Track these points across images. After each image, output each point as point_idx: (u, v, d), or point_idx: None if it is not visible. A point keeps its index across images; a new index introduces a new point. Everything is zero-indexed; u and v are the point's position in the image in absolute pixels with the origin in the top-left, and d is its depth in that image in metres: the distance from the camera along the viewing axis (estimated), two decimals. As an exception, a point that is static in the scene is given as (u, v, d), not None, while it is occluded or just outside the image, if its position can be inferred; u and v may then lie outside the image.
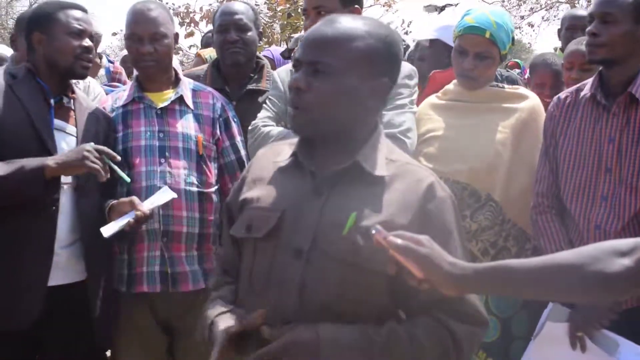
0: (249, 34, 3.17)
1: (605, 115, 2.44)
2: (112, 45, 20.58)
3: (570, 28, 3.92)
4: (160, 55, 2.72)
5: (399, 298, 1.64)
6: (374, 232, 1.46)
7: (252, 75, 3.22)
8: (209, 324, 1.64)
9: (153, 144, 2.70)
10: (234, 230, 1.74)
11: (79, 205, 2.52)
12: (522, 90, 2.83)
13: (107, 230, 2.44)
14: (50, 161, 2.38)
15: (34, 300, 2.40)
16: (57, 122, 2.53)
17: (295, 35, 6.07)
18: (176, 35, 2.86)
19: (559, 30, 4.14)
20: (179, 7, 10.43)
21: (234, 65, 3.17)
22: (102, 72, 4.93)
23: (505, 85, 2.84)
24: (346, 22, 1.65)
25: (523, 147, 2.64)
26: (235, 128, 2.87)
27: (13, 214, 2.38)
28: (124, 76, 4.85)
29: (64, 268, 2.47)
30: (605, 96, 2.45)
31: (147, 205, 2.50)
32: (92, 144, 2.44)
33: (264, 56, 3.60)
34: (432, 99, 2.88)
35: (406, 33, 11.13)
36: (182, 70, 3.56)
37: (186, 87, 2.83)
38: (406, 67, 2.71)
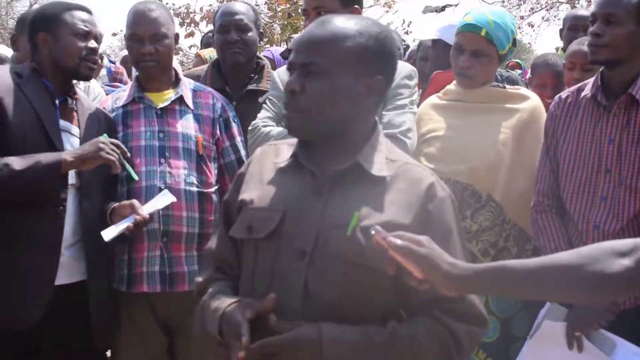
0: (250, 34, 3.17)
1: (605, 115, 2.44)
2: (112, 45, 20.57)
3: (572, 28, 3.91)
4: (161, 55, 2.73)
5: (401, 296, 1.64)
6: (373, 232, 1.46)
7: (252, 75, 3.22)
8: (220, 316, 1.62)
9: (153, 144, 2.70)
10: (234, 232, 1.74)
11: (82, 206, 2.52)
12: (523, 90, 2.83)
13: (108, 234, 2.45)
14: (66, 155, 2.40)
15: (40, 299, 2.40)
16: (62, 123, 2.54)
17: (295, 36, 6.07)
18: (176, 36, 2.86)
19: (561, 30, 4.14)
20: (180, 7, 10.44)
21: (234, 66, 3.17)
22: (103, 72, 4.93)
23: (507, 86, 2.84)
24: (337, 22, 1.66)
25: (524, 148, 2.64)
26: (235, 128, 2.87)
27: (20, 213, 2.39)
28: (126, 76, 4.86)
29: (66, 268, 2.48)
30: (605, 97, 2.45)
31: (147, 209, 2.50)
32: (106, 136, 2.47)
33: (264, 56, 3.60)
34: (433, 99, 2.88)
35: (406, 33, 11.15)
36: (182, 71, 3.57)
37: (186, 87, 2.83)
38: (406, 68, 2.72)
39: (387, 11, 11.90)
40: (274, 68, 3.40)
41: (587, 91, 2.51)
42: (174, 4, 10.52)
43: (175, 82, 2.83)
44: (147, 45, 2.70)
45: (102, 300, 2.56)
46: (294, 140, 1.75)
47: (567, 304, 2.37)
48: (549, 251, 2.42)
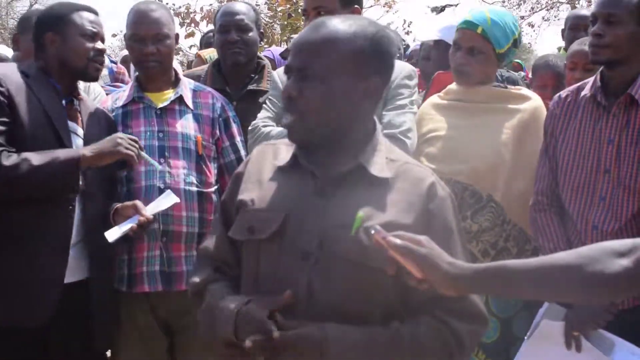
0: (250, 34, 3.17)
1: (605, 116, 2.44)
2: (112, 45, 20.57)
3: (574, 28, 3.91)
4: (163, 55, 2.74)
5: (403, 296, 1.64)
6: (373, 232, 1.46)
7: (252, 75, 3.22)
8: (234, 315, 1.60)
9: (152, 144, 2.70)
10: (234, 233, 1.73)
11: (84, 205, 2.52)
12: (524, 91, 2.83)
13: (111, 235, 2.46)
14: (85, 150, 2.42)
15: (50, 297, 2.41)
16: (69, 123, 2.54)
17: (295, 36, 6.07)
18: (177, 36, 2.87)
19: (563, 30, 4.15)
20: (179, 7, 10.44)
21: (234, 66, 3.17)
22: (105, 72, 4.93)
23: (509, 86, 2.84)
24: (332, 25, 1.65)
25: (525, 148, 2.64)
26: (235, 128, 2.88)
27: (32, 211, 2.39)
28: (127, 76, 4.86)
29: (68, 267, 2.48)
30: (605, 97, 2.44)
31: (150, 210, 2.51)
32: (122, 133, 2.49)
33: (265, 56, 3.60)
34: (434, 98, 2.88)
35: (407, 33, 11.15)
36: (183, 71, 3.57)
37: (186, 87, 2.84)
38: (406, 68, 2.72)
39: (387, 11, 11.92)
40: (274, 68, 3.41)
41: (586, 91, 2.50)
42: (174, 4, 10.52)
43: (175, 82, 2.84)
44: (149, 46, 2.70)
45: (104, 300, 2.57)
46: None
47: (565, 304, 2.37)
48: (547, 250, 2.43)
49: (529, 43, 20.55)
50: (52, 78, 2.53)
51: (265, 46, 6.91)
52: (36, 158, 2.34)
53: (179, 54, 10.75)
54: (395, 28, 10.06)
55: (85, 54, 2.53)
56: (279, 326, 1.55)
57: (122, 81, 4.76)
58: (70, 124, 2.54)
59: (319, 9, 2.68)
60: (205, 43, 5.12)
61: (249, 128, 2.72)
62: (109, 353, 2.81)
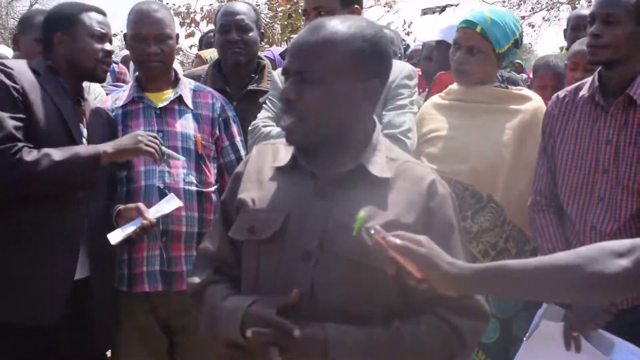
0: (251, 34, 3.17)
1: (603, 116, 2.44)
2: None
3: (575, 28, 3.91)
4: (166, 55, 2.75)
5: (405, 296, 1.64)
6: (372, 232, 1.47)
7: (253, 75, 3.22)
8: (241, 315, 1.59)
9: (152, 144, 2.70)
10: (234, 233, 1.73)
11: (87, 205, 2.53)
12: (526, 91, 2.82)
13: (114, 238, 2.46)
14: (106, 147, 2.44)
15: (61, 295, 2.42)
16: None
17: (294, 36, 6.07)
18: (177, 36, 2.87)
19: (565, 30, 4.15)
20: (179, 7, 10.45)
21: (234, 66, 3.17)
22: (107, 72, 4.93)
23: (510, 87, 2.84)
24: (330, 27, 1.64)
25: (525, 149, 2.64)
26: (234, 128, 2.88)
27: (43, 209, 2.39)
28: (128, 77, 4.87)
29: None
30: (603, 97, 2.45)
31: (152, 214, 2.51)
32: (142, 131, 2.52)
33: (265, 56, 3.61)
34: (436, 98, 2.88)
35: (407, 34, 11.15)
36: (183, 71, 3.57)
37: (185, 87, 2.84)
38: (406, 68, 2.72)
39: (387, 11, 11.93)
40: (275, 68, 3.41)
41: (584, 91, 2.50)
42: (174, 4, 10.52)
43: (175, 82, 2.84)
44: (153, 46, 2.70)
45: (104, 300, 2.57)
46: None
47: (564, 304, 2.37)
48: (546, 251, 2.42)
49: (529, 43, 20.55)
50: (61, 77, 2.54)
51: (266, 46, 6.91)
52: (57, 154, 2.35)
53: (179, 54, 10.75)
54: (395, 28, 10.05)
55: (94, 55, 2.53)
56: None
57: (124, 81, 4.77)
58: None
59: (319, 9, 2.68)
60: (205, 43, 5.12)
61: (249, 128, 2.72)
62: (109, 353, 2.81)
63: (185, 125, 2.76)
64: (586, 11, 4.07)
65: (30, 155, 2.31)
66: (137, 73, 2.91)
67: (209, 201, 2.73)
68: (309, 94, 1.61)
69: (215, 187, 2.78)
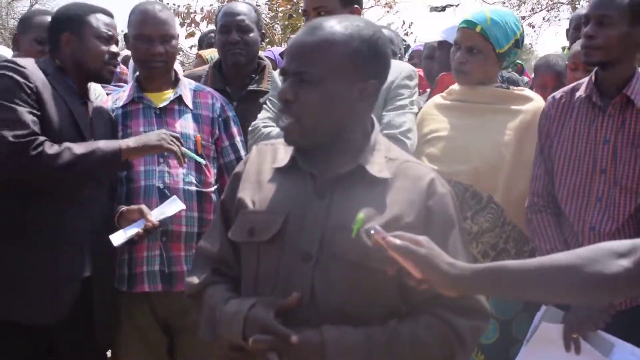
0: (251, 35, 3.17)
1: (600, 116, 2.44)
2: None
3: (578, 28, 3.90)
4: (170, 56, 2.75)
5: (405, 296, 1.65)
6: (372, 232, 1.46)
7: (253, 76, 3.22)
8: (242, 319, 1.59)
9: (152, 144, 2.70)
10: (234, 235, 1.73)
11: (92, 205, 2.53)
12: (527, 92, 2.82)
13: (117, 239, 2.47)
14: (128, 141, 2.47)
15: (68, 294, 2.42)
16: None
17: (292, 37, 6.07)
18: (177, 36, 2.87)
19: (567, 30, 4.16)
20: (179, 6, 10.46)
21: (234, 66, 3.17)
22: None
23: (511, 87, 2.84)
24: (327, 28, 1.63)
25: (526, 149, 2.63)
26: (234, 128, 2.88)
27: (51, 207, 2.39)
28: (129, 77, 4.86)
29: None
30: (600, 97, 2.45)
31: (155, 216, 2.52)
32: (165, 130, 2.56)
33: (266, 57, 3.60)
34: (437, 99, 2.88)
35: (407, 34, 11.15)
36: (184, 71, 3.57)
37: (185, 87, 2.84)
38: (406, 68, 2.72)
39: (387, 12, 11.93)
40: (275, 68, 3.40)
41: (581, 91, 2.50)
42: (174, 4, 10.53)
43: (175, 82, 2.84)
44: (158, 46, 2.71)
45: (104, 299, 2.57)
46: None
47: (563, 306, 2.37)
48: (544, 252, 2.42)
49: (529, 44, 20.54)
50: (69, 78, 2.54)
51: (267, 47, 6.91)
52: (78, 148, 2.36)
53: (179, 54, 10.76)
54: (395, 29, 10.06)
55: (101, 57, 2.54)
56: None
57: (125, 82, 4.77)
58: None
59: (319, 9, 2.67)
60: (207, 43, 5.12)
61: (249, 128, 2.72)
62: (109, 353, 2.81)
63: (185, 125, 2.76)
64: (588, 11, 4.09)
65: (52, 148, 2.32)
66: (137, 73, 2.91)
67: (208, 201, 2.73)
68: (306, 95, 1.61)
69: (215, 187, 2.78)
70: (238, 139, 2.87)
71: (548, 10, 19.00)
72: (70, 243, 2.43)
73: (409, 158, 1.78)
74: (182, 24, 10.23)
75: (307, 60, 1.61)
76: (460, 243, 1.68)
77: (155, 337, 2.73)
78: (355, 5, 2.74)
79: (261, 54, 3.57)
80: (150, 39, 2.71)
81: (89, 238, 2.50)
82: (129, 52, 3.31)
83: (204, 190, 2.73)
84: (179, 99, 2.79)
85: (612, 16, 2.35)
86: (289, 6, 9.31)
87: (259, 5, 10.25)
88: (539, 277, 1.41)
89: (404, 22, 13.55)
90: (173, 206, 2.56)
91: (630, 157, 2.36)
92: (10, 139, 2.27)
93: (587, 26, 2.41)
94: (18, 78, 2.36)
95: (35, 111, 2.36)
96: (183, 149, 2.54)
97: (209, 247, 1.80)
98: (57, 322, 2.41)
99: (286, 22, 9.32)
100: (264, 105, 2.79)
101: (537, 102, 2.72)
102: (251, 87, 3.16)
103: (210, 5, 10.87)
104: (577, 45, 3.23)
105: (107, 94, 3.14)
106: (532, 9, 19.01)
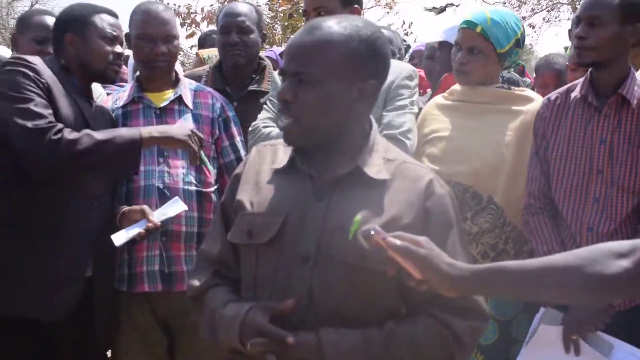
0: (251, 36, 3.16)
1: (596, 116, 2.44)
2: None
3: None
4: (172, 56, 2.76)
5: (404, 298, 1.65)
6: (372, 232, 1.46)
7: (253, 76, 3.21)
8: (239, 323, 1.60)
9: (152, 144, 2.70)
10: (233, 237, 1.73)
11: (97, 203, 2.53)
12: (528, 92, 2.82)
13: (118, 239, 2.46)
14: (152, 131, 2.46)
15: (73, 290, 2.42)
16: None
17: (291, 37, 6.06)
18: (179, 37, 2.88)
19: (569, 31, 4.16)
20: (179, 7, 10.45)
21: (233, 67, 3.17)
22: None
23: (512, 87, 2.84)
24: (327, 28, 1.62)
25: (526, 150, 2.62)
26: (234, 128, 2.88)
27: (58, 204, 2.39)
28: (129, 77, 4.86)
29: None
30: (596, 97, 2.45)
31: (157, 217, 2.51)
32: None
33: (267, 57, 3.60)
34: (438, 99, 2.88)
35: (407, 34, 11.15)
36: (184, 71, 3.57)
37: (185, 87, 2.84)
38: (407, 68, 2.72)
39: (387, 12, 11.92)
40: (276, 68, 3.40)
41: (576, 92, 2.51)
42: (174, 4, 10.53)
43: (175, 82, 2.84)
44: (161, 46, 2.71)
45: (106, 299, 2.57)
46: None
47: (562, 308, 2.37)
48: (541, 253, 2.41)
49: (529, 44, 20.53)
50: (74, 77, 2.54)
51: (267, 47, 6.91)
52: (99, 134, 2.36)
53: (179, 54, 10.76)
54: (395, 29, 10.06)
55: (105, 57, 2.53)
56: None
57: (126, 81, 4.77)
58: None
59: (320, 9, 2.67)
60: (209, 43, 5.11)
61: (249, 129, 2.72)
62: (109, 353, 2.81)
63: (185, 125, 2.75)
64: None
65: (72, 134, 2.31)
66: (137, 73, 2.90)
67: (208, 201, 2.73)
68: (305, 95, 1.61)
69: (215, 187, 2.78)
70: (238, 139, 2.87)
71: (548, 11, 19.00)
72: (75, 241, 2.42)
73: (407, 159, 1.77)
74: (182, 24, 10.23)
75: (306, 60, 1.61)
76: (459, 244, 1.67)
77: (155, 337, 2.73)
78: (356, 5, 2.74)
79: (262, 54, 3.56)
80: (154, 38, 2.71)
81: (92, 237, 2.50)
82: (128, 52, 3.30)
83: (204, 190, 2.73)
84: (179, 99, 2.79)
85: (603, 17, 2.36)
86: (289, 6, 9.30)
87: (259, 5, 10.25)
88: (539, 277, 1.41)
89: (404, 22, 13.53)
90: (175, 207, 2.56)
91: (626, 157, 2.36)
92: (30, 126, 2.26)
93: (578, 27, 2.42)
94: (30, 73, 2.36)
95: (49, 105, 2.36)
96: (201, 152, 2.55)
97: (209, 249, 1.81)
98: (58, 321, 2.41)
99: (286, 23, 9.31)
100: (264, 106, 2.79)
101: (538, 103, 2.72)
102: (251, 88, 3.16)
103: (211, 5, 10.88)
104: (577, 46, 3.24)
105: (108, 94, 3.14)
106: (533, 9, 19.01)
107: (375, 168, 1.67)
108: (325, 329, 1.56)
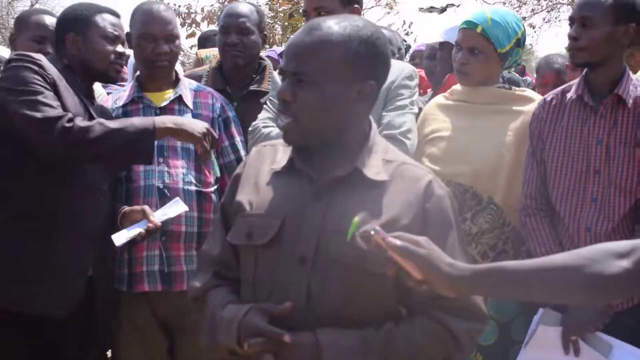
0: (251, 37, 3.16)
1: (592, 116, 2.44)
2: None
3: None
4: (174, 55, 2.77)
5: (403, 299, 1.64)
6: (372, 232, 1.46)
7: (254, 76, 3.21)
8: (237, 326, 1.60)
9: (151, 144, 2.70)
10: (232, 238, 1.73)
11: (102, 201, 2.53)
12: (528, 92, 2.82)
13: (119, 239, 2.46)
14: (165, 120, 2.46)
15: (76, 287, 2.42)
16: None
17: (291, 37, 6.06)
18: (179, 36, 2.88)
19: None
20: (179, 6, 10.45)
21: (233, 68, 3.17)
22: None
23: (513, 87, 2.84)
24: (326, 28, 1.62)
25: (526, 150, 2.63)
26: (234, 128, 2.88)
27: (64, 200, 2.39)
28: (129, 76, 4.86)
29: None
30: (591, 97, 2.45)
31: (158, 217, 2.52)
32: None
33: (268, 57, 3.60)
34: (439, 99, 2.88)
35: (407, 34, 11.14)
36: (184, 71, 3.57)
37: (185, 87, 2.84)
38: (407, 68, 2.72)
39: (388, 12, 11.92)
40: (277, 68, 3.40)
41: (572, 92, 2.51)
42: (175, 4, 10.52)
43: (175, 82, 2.84)
44: (163, 45, 2.71)
45: (106, 299, 2.57)
46: None
47: (560, 309, 2.37)
48: (539, 254, 2.40)
49: (529, 44, 20.54)
50: (77, 76, 2.54)
51: (267, 47, 6.91)
52: (111, 122, 2.36)
53: (180, 54, 10.76)
54: (395, 29, 10.06)
55: (107, 57, 2.53)
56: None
57: (127, 81, 4.77)
58: None
59: (320, 9, 2.67)
60: (210, 43, 5.10)
61: (250, 129, 2.72)
62: (109, 353, 2.81)
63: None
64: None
65: (83, 122, 2.31)
66: (137, 73, 2.90)
67: (208, 201, 2.73)
68: (304, 95, 1.61)
69: (215, 187, 2.78)
70: (238, 139, 2.87)
71: (548, 11, 18.99)
72: (79, 238, 2.42)
73: (407, 160, 1.77)
74: (182, 24, 10.22)
75: (305, 60, 1.61)
76: (459, 245, 1.67)
77: (155, 337, 2.73)
78: (356, 5, 2.74)
79: (262, 53, 3.56)
80: (156, 38, 2.71)
81: (96, 234, 2.50)
82: (128, 52, 3.30)
83: (204, 190, 2.73)
84: (179, 99, 2.79)
85: (595, 17, 2.37)
86: (289, 6, 9.30)
87: (260, 5, 10.25)
88: (539, 277, 1.41)
89: (404, 22, 13.51)
90: (176, 208, 2.56)
91: (623, 156, 2.36)
92: (39, 116, 2.26)
93: (572, 28, 2.42)
94: (36, 68, 2.36)
95: (57, 98, 2.36)
96: (211, 152, 2.54)
97: (210, 250, 1.81)
98: (60, 318, 2.40)
99: (287, 22, 9.31)
100: (264, 106, 2.79)
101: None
102: (252, 88, 3.16)
103: (211, 5, 10.85)
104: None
105: (108, 94, 3.14)
106: (533, 9, 19.00)
107: (374, 169, 1.66)
108: (323, 330, 1.57)
